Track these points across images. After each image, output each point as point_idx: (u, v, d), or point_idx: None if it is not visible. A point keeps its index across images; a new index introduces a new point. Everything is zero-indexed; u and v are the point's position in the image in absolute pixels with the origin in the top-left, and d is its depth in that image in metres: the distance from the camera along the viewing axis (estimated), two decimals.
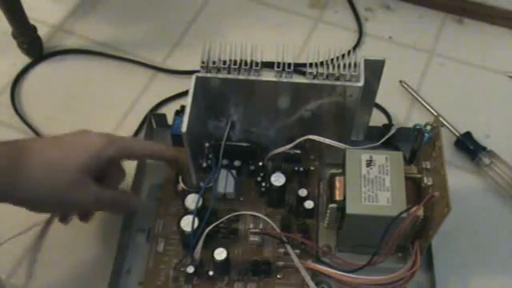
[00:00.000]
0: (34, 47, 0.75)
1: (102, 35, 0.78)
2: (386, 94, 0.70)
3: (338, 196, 0.52)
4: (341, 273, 0.51)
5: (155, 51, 0.76)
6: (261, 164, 0.58)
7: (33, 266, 0.58)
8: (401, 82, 0.71)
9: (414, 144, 0.57)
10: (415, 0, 0.81)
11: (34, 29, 0.74)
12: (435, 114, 0.66)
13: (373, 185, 0.51)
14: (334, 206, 0.52)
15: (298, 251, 0.54)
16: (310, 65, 0.52)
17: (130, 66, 0.74)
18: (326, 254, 0.54)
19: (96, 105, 0.70)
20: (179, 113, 0.61)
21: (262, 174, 0.58)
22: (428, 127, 0.54)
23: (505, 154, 0.63)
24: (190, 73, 0.71)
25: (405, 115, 0.69)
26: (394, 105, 0.70)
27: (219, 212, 0.56)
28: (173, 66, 0.75)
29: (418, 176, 0.54)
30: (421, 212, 0.50)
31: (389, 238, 0.50)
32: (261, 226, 0.56)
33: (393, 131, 0.57)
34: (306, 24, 0.79)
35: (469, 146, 0.64)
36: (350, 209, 0.50)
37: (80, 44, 0.77)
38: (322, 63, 0.52)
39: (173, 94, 0.70)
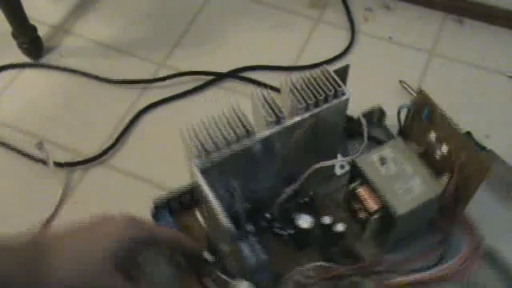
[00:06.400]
0: (34, 47, 0.75)
1: (102, 35, 0.78)
2: (386, 94, 0.71)
3: (372, 205, 0.52)
4: (430, 272, 0.51)
5: (155, 51, 0.76)
6: (269, 215, 0.56)
7: None
8: (401, 81, 0.71)
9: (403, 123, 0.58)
10: (415, 0, 0.81)
11: (34, 29, 0.74)
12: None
13: (400, 179, 0.52)
14: (376, 216, 0.51)
15: (359, 277, 0.52)
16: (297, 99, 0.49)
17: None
18: (378, 264, 0.53)
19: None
20: (156, 212, 0.58)
21: (277, 225, 0.55)
22: (409, 103, 0.55)
23: (505, 154, 0.63)
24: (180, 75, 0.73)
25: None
26: (394, 105, 0.70)
27: (259, 284, 0.50)
28: (173, 65, 0.75)
29: (422, 149, 0.56)
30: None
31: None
32: (312, 274, 0.52)
33: (364, 122, 0.55)
34: (305, 24, 0.79)
35: None
36: (399, 210, 0.50)
37: (80, 44, 0.77)
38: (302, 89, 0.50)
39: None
